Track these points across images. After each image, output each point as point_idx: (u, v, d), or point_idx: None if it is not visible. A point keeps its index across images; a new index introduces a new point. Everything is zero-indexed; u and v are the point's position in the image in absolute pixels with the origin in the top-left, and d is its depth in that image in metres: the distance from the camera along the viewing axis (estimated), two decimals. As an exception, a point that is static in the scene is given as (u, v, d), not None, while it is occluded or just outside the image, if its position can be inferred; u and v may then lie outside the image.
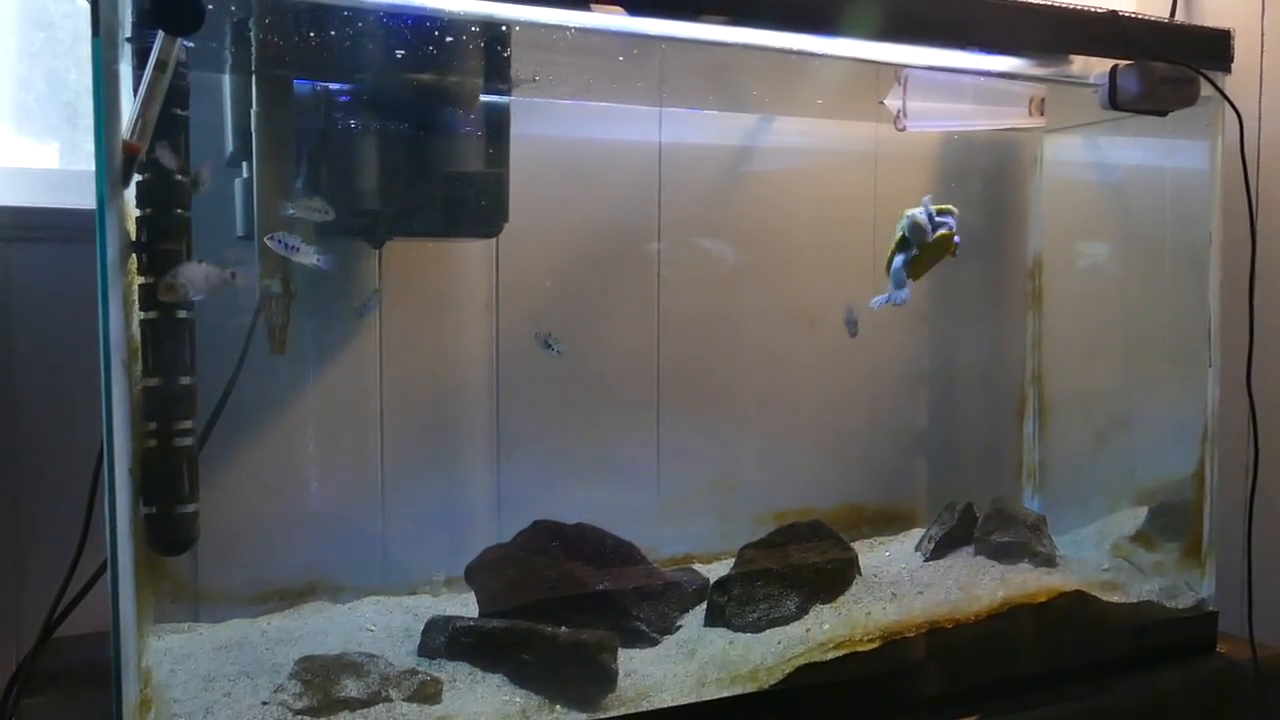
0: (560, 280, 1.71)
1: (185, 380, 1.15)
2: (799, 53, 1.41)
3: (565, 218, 1.69)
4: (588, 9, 1.25)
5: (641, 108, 1.74)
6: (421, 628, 1.38)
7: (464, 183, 1.45)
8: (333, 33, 1.26)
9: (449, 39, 1.34)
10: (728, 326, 1.82)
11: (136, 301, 1.11)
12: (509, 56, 1.42)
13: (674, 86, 1.68)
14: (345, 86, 1.37)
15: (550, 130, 1.65)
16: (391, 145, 1.40)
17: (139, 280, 1.12)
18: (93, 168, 1.03)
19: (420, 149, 1.42)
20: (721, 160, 1.82)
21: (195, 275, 1.12)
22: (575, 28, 1.29)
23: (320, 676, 1.22)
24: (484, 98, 1.47)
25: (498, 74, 1.46)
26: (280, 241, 1.26)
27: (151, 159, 1.09)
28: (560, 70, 1.52)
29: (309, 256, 1.26)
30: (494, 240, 1.62)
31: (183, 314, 1.15)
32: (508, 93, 1.50)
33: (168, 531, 1.15)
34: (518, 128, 1.49)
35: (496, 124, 1.47)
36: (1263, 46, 1.74)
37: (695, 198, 1.79)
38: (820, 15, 1.34)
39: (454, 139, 1.44)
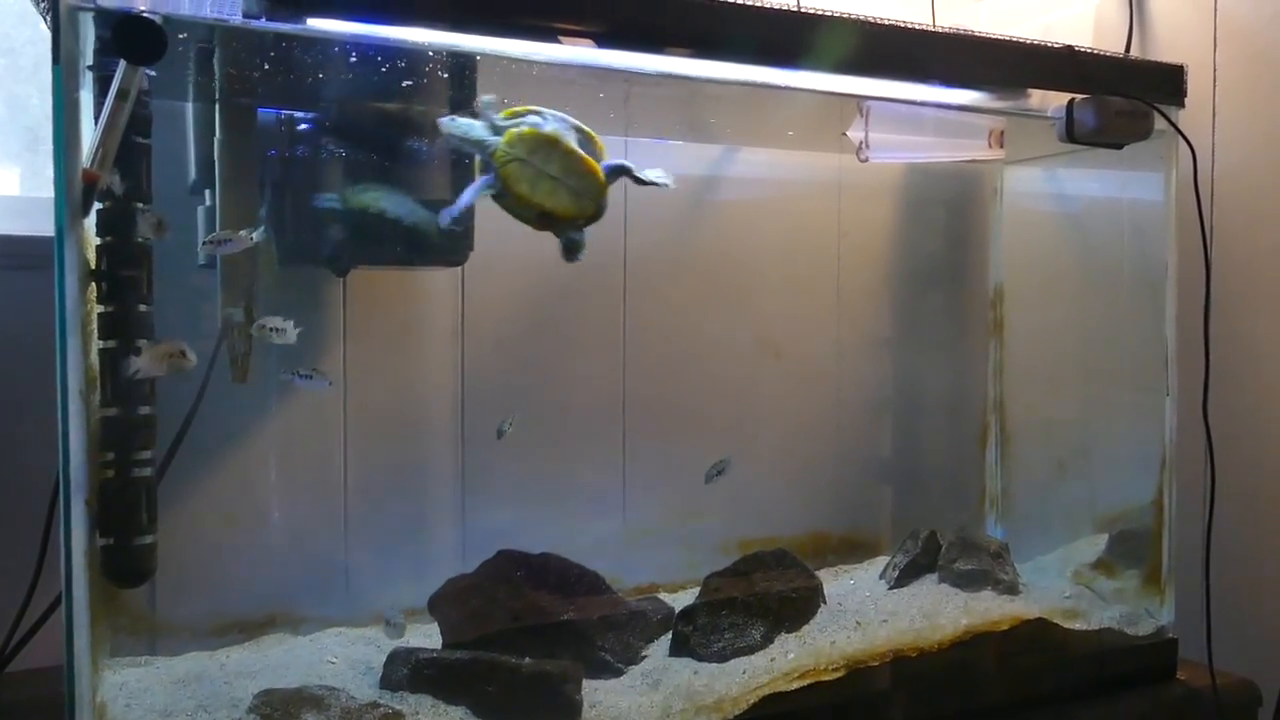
0: (526, 309, 1.71)
1: (144, 410, 1.14)
2: (763, 85, 1.43)
3: (530, 246, 1.69)
4: (558, 42, 1.26)
5: (607, 137, 1.74)
6: (384, 660, 1.36)
7: (429, 211, 1.45)
8: (297, 61, 1.26)
9: (415, 68, 1.34)
10: (693, 355, 1.82)
11: (95, 330, 1.10)
12: (475, 86, 1.43)
13: (640, 117, 1.68)
14: (309, 115, 1.37)
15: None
16: (356, 174, 1.40)
17: (98, 309, 1.11)
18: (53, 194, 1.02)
19: (385, 177, 1.42)
20: (687, 190, 1.83)
21: (146, 361, 1.11)
22: (544, 60, 1.30)
23: (280, 710, 1.20)
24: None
25: (463, 103, 1.46)
26: (217, 242, 1.25)
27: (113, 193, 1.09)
28: (527, 100, 1.52)
29: (245, 241, 1.25)
30: (459, 269, 1.62)
31: (143, 343, 1.14)
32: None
33: (125, 563, 1.14)
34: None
35: (462, 153, 1.48)
36: (1215, 81, 1.78)
37: (661, 227, 1.79)
38: (783, 49, 1.36)
39: (419, 167, 1.44)
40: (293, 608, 1.52)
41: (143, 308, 1.13)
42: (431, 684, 1.31)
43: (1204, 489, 1.61)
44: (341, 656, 1.43)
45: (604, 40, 1.27)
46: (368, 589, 1.57)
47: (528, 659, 1.32)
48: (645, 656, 1.48)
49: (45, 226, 1.04)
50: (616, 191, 1.73)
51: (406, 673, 1.33)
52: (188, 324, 1.25)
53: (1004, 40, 1.51)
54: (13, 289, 1.44)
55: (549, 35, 1.24)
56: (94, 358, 1.10)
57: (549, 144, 1.27)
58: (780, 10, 1.35)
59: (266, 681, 1.30)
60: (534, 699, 1.28)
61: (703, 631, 1.48)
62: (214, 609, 1.48)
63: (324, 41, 1.22)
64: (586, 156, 1.30)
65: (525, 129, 1.25)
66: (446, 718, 1.27)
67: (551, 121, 1.29)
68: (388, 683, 1.34)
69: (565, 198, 1.29)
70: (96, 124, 1.03)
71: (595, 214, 1.34)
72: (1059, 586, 1.76)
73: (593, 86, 1.49)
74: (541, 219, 1.29)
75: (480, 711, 1.28)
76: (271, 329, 1.28)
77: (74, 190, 1.01)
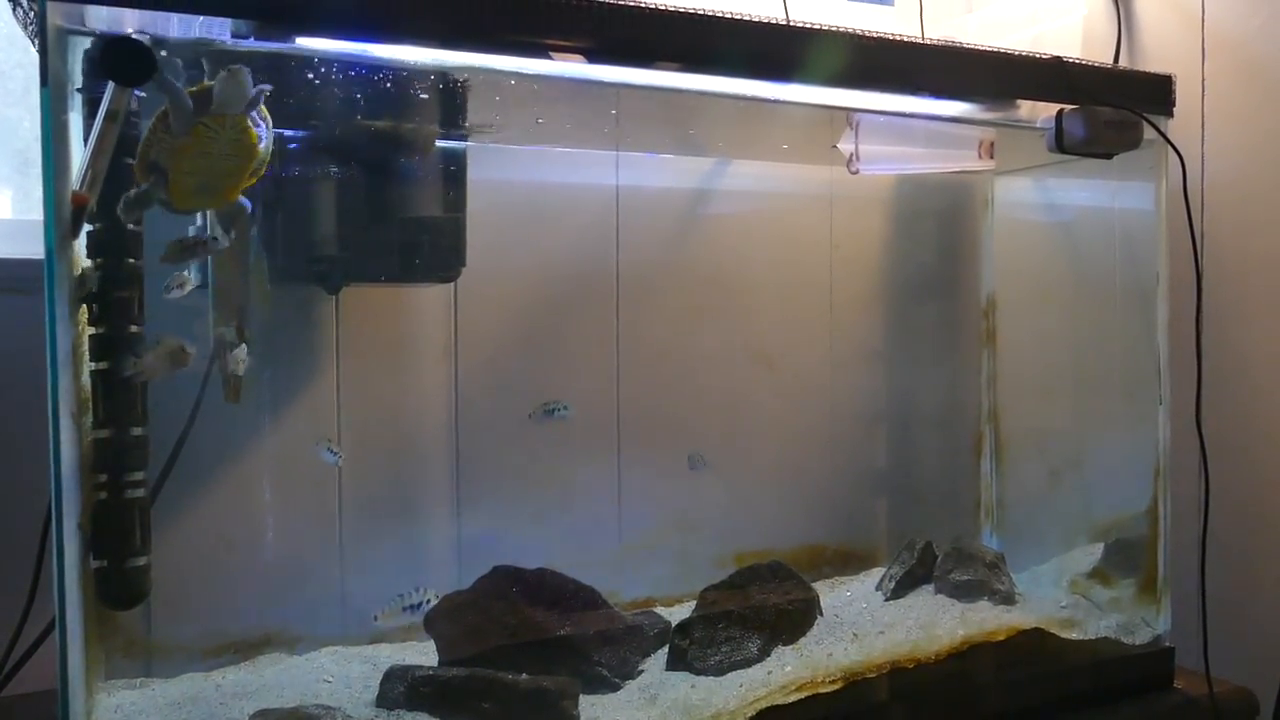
0: (519, 324, 1.71)
1: (137, 431, 1.14)
2: (753, 98, 1.43)
3: (523, 262, 1.69)
4: (548, 58, 1.26)
5: (598, 152, 1.75)
6: (380, 677, 1.36)
7: (421, 228, 1.45)
8: (287, 80, 1.26)
9: (405, 86, 1.34)
10: (687, 368, 1.82)
11: (86, 352, 1.10)
12: (465, 102, 1.43)
13: (631, 131, 1.69)
14: (300, 133, 1.37)
15: (507, 175, 1.65)
16: (347, 191, 1.40)
17: (89, 331, 1.11)
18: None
19: (377, 195, 1.42)
20: (679, 203, 1.83)
21: (151, 361, 1.11)
22: (534, 75, 1.30)
23: (275, 730, 1.20)
24: (440, 143, 1.48)
25: (454, 119, 1.47)
26: (172, 289, 1.24)
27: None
28: (517, 116, 1.53)
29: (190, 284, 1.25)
30: (452, 285, 1.62)
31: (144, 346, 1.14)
32: (464, 138, 1.51)
33: (119, 585, 1.13)
34: (475, 173, 1.50)
35: (453, 169, 1.48)
36: (1204, 91, 1.79)
37: (653, 240, 1.80)
38: (773, 62, 1.36)
39: (410, 184, 1.45)
40: (288, 627, 1.52)
41: (134, 329, 1.13)
42: (428, 701, 1.31)
43: (1198, 497, 1.61)
44: (337, 675, 1.43)
45: (594, 55, 1.27)
46: (363, 607, 1.56)
47: (524, 675, 1.32)
48: (642, 671, 1.47)
49: (36, 249, 1.04)
50: (608, 206, 1.74)
51: (403, 690, 1.32)
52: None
53: (993, 52, 1.51)
54: (4, 312, 1.43)
55: (539, 51, 1.25)
56: (85, 380, 1.10)
57: (239, 152, 1.11)
58: (770, 24, 1.35)
59: (262, 701, 1.30)
60: (531, 715, 1.28)
61: (699, 645, 1.47)
62: (209, 630, 1.48)
63: (314, 59, 1.23)
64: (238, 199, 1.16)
65: (252, 135, 1.10)
66: (443, 735, 1.27)
67: (263, 144, 1.14)
68: (384, 700, 1.33)
69: (187, 192, 1.11)
70: (85, 146, 1.03)
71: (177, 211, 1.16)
72: (1055, 596, 1.76)
73: (583, 100, 1.49)
74: (146, 173, 1.10)
75: (477, 729, 1.28)
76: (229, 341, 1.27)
77: (63, 213, 1.01)
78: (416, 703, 1.31)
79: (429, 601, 1.42)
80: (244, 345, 1.27)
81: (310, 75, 1.26)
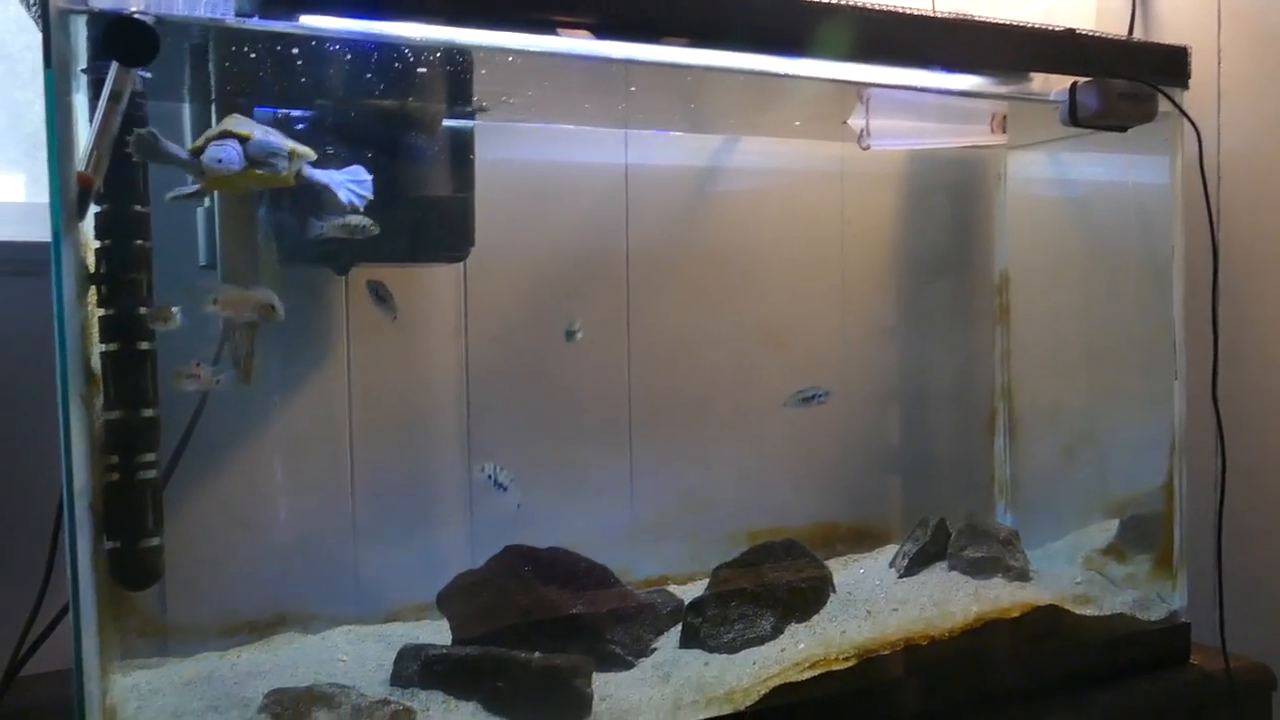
0: (529, 304, 1.70)
1: (148, 412, 1.14)
2: (763, 74, 1.42)
3: (533, 241, 1.69)
4: (555, 34, 1.25)
5: (607, 130, 1.74)
6: (394, 656, 1.36)
7: (429, 208, 1.45)
8: (293, 59, 1.26)
9: (412, 64, 1.34)
10: (698, 346, 1.82)
11: (96, 334, 1.10)
12: (472, 81, 1.42)
13: (639, 108, 1.68)
14: (307, 113, 1.37)
15: (516, 154, 1.65)
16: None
17: (99, 312, 1.11)
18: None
19: (384, 174, 1.41)
20: (689, 181, 1.82)
21: (232, 298, 1.12)
22: (541, 52, 1.29)
23: (290, 709, 1.20)
24: (448, 122, 1.47)
25: (461, 98, 1.46)
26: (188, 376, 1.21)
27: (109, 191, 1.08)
28: (525, 94, 1.52)
29: (209, 382, 1.23)
30: (461, 265, 1.61)
31: (145, 345, 1.14)
32: (472, 116, 1.50)
33: (132, 566, 1.14)
34: (483, 152, 1.49)
35: (461, 148, 1.47)
36: (1219, 63, 1.77)
37: (663, 219, 1.79)
38: (783, 37, 1.35)
39: (418, 164, 1.44)
40: (302, 606, 1.53)
41: (143, 310, 1.13)
42: (442, 680, 1.32)
43: (1215, 472, 1.60)
44: (352, 654, 1.44)
45: (602, 31, 1.26)
46: (377, 586, 1.57)
47: (538, 653, 1.32)
48: (655, 649, 1.48)
49: (48, 232, 1.04)
50: (617, 183, 1.73)
51: (417, 669, 1.33)
52: (189, 326, 1.25)
53: (1005, 24, 1.50)
54: (18, 294, 1.44)
55: (546, 27, 1.24)
56: (95, 361, 1.10)
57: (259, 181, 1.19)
58: (779, -2, 1.34)
59: (277, 680, 1.31)
60: (544, 693, 1.28)
61: (712, 623, 1.48)
62: (224, 609, 1.49)
63: (320, 38, 1.22)
64: None
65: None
66: (457, 713, 1.27)
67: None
68: (398, 679, 1.34)
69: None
70: (90, 127, 1.03)
71: None
72: (1070, 572, 1.75)
73: (591, 77, 1.48)
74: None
75: (491, 707, 1.28)
76: (188, 375, 1.21)
77: (69, 194, 1.01)
78: (430, 681, 1.32)
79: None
80: (215, 366, 1.26)
81: (316, 54, 1.25)
